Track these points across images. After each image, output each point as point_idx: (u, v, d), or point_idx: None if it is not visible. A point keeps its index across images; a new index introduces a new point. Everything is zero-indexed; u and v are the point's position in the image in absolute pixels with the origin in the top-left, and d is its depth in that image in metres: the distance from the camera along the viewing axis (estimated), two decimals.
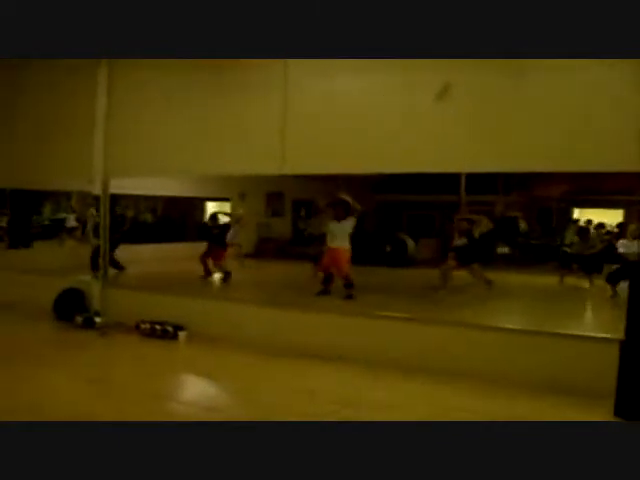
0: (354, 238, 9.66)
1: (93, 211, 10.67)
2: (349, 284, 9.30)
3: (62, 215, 14.29)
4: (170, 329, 7.53)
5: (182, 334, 7.49)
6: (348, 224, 9.51)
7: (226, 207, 15.88)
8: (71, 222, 14.26)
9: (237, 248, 13.45)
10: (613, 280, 10.22)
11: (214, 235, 12.01)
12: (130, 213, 15.50)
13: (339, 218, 9.55)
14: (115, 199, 10.70)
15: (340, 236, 9.47)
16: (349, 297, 9.12)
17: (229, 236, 12.53)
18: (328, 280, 9.60)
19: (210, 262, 11.89)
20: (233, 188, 15.73)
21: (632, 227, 10.73)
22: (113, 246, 9.71)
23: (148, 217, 16.47)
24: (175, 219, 16.93)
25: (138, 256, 12.89)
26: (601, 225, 14.62)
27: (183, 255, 13.55)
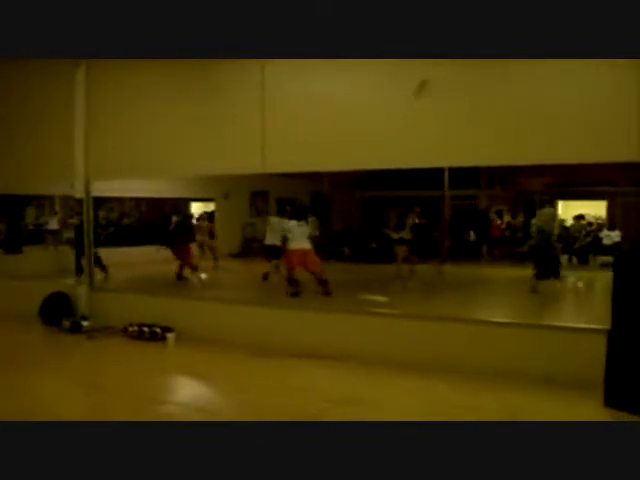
0: (342, 235, 9.72)
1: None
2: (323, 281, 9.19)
3: (45, 219, 14.12)
4: (158, 331, 7.51)
5: (170, 336, 7.46)
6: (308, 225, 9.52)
7: (210, 207, 15.87)
8: (53, 225, 14.07)
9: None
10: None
11: (169, 236, 11.99)
12: (114, 215, 15.38)
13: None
14: (98, 202, 10.64)
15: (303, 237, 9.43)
16: (327, 294, 8.97)
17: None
18: (295, 282, 9.31)
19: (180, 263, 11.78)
20: (217, 188, 15.67)
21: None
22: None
23: (134, 218, 16.34)
24: (159, 221, 16.79)
25: (122, 259, 12.77)
26: (581, 216, 14.66)
27: (166, 257, 13.45)
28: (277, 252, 10.49)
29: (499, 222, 15.85)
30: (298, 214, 9.61)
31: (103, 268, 10.78)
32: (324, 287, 9.10)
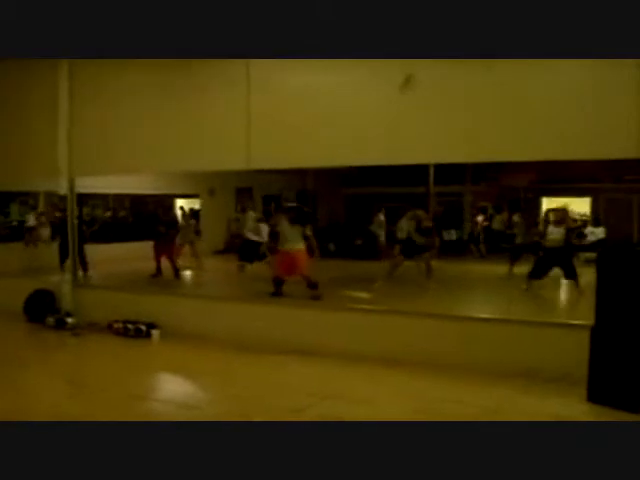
0: (327, 231, 9.59)
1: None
2: (313, 284, 8.57)
3: (27, 216, 13.97)
4: (143, 328, 7.48)
5: (155, 332, 7.44)
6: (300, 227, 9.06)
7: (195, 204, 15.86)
8: (30, 222, 13.88)
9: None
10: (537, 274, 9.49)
11: (159, 232, 11.85)
12: (98, 212, 15.30)
13: (293, 221, 9.07)
14: (82, 198, 10.57)
15: (295, 238, 8.96)
16: (316, 298, 8.27)
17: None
18: (280, 282, 8.82)
19: (165, 260, 11.65)
20: (202, 184, 15.66)
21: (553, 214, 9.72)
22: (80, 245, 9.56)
23: (119, 214, 16.27)
24: (144, 217, 16.72)
25: (106, 255, 12.68)
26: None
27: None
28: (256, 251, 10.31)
29: (481, 218, 15.87)
30: (299, 219, 9.15)
31: (84, 265, 10.62)
32: (313, 290, 8.49)
